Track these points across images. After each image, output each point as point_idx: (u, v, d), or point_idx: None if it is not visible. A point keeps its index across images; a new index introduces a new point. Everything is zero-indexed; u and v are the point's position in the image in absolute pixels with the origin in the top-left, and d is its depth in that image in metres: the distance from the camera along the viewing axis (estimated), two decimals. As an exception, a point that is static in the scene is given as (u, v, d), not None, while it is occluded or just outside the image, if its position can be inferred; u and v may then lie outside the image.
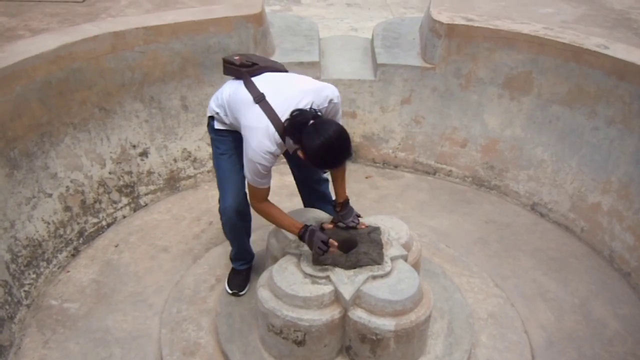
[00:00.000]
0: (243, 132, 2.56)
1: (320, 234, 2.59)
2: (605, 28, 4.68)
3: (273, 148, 2.49)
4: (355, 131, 4.59)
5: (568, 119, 3.98)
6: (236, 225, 2.97)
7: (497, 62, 4.18)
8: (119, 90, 3.88)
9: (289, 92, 2.56)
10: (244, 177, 2.73)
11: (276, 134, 2.49)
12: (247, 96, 2.58)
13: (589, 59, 3.82)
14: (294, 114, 2.44)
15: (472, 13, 4.46)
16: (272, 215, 2.71)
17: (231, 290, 3.10)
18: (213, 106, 2.82)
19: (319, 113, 2.47)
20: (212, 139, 2.92)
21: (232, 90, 2.70)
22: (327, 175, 3.10)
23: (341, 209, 2.82)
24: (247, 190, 2.76)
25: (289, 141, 2.49)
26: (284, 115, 2.48)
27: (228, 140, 2.83)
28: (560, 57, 3.94)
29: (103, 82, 3.78)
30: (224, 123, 2.80)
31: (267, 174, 2.57)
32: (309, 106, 2.49)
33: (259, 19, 4.31)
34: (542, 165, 4.09)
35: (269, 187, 2.66)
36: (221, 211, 2.92)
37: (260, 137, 2.48)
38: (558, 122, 4.03)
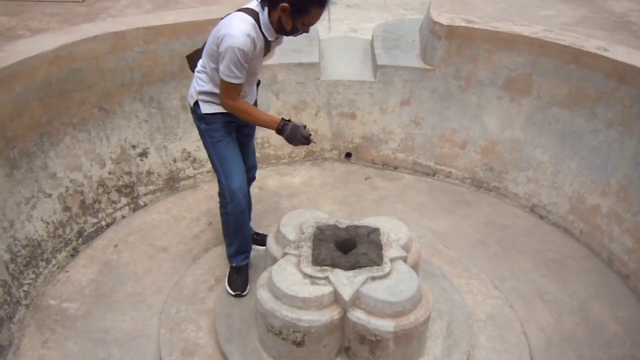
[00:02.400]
0: (220, 34, 2.56)
1: (302, 127, 2.70)
2: (605, 30, 4.69)
3: (249, 29, 2.52)
4: (355, 132, 4.59)
5: (568, 121, 3.99)
6: (243, 210, 2.99)
7: (497, 63, 4.18)
8: (118, 91, 3.88)
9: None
10: (242, 161, 2.82)
11: (250, 18, 2.55)
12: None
13: (588, 62, 3.82)
14: None
15: (472, 15, 4.47)
16: (247, 112, 2.75)
17: (234, 291, 3.09)
18: (193, 87, 2.86)
19: None
20: (202, 130, 2.91)
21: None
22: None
23: None
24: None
25: (265, 22, 2.57)
26: (251, 5, 2.59)
27: (220, 127, 2.86)
28: (560, 59, 3.94)
29: (103, 82, 3.78)
30: (210, 102, 2.81)
31: (244, 65, 2.57)
32: None
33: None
34: (541, 167, 4.10)
35: (242, 84, 2.67)
36: (229, 196, 2.92)
37: (235, 23, 2.53)
38: (558, 124, 4.04)
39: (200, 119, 2.87)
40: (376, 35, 4.98)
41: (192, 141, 4.23)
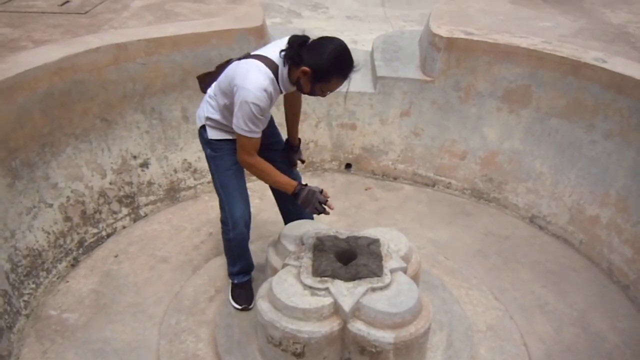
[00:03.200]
0: (233, 84, 2.49)
1: (318, 193, 2.62)
2: (604, 42, 4.71)
3: (266, 83, 2.45)
4: (355, 143, 4.61)
5: (566, 132, 4.01)
6: (244, 238, 2.97)
7: (496, 75, 4.21)
8: (120, 102, 3.91)
9: (269, 46, 2.63)
10: (246, 190, 2.78)
11: (268, 70, 2.47)
12: (234, 62, 2.62)
13: (587, 73, 3.85)
14: (290, 39, 2.48)
15: (471, 27, 4.50)
16: (265, 171, 2.65)
17: (240, 305, 3.09)
18: (202, 111, 2.80)
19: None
20: (208, 156, 2.88)
21: (219, 77, 2.72)
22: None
23: (294, 152, 2.94)
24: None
25: (283, 76, 2.51)
26: (270, 55, 2.51)
27: (228, 155, 2.80)
28: (559, 71, 3.97)
29: (105, 93, 3.80)
30: (218, 129, 2.77)
31: (260, 119, 2.50)
32: None
33: (260, 32, 4.35)
34: (540, 177, 4.11)
35: (259, 139, 2.59)
36: (232, 224, 2.89)
37: (253, 76, 2.44)
38: (557, 135, 4.06)
39: (207, 143, 2.83)
40: (376, 46, 5.01)
41: (192, 152, 4.25)
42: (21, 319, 3.04)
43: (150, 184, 4.05)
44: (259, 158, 2.64)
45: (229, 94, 2.58)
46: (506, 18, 5.12)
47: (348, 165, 4.69)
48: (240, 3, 5.04)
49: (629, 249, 3.54)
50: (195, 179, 4.26)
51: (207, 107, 2.77)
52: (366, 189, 4.47)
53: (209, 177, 4.22)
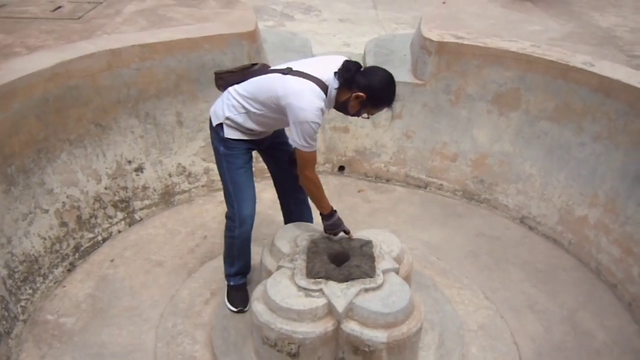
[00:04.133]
0: (286, 101, 2.59)
1: (343, 224, 2.86)
2: (592, 45, 4.79)
3: (322, 104, 2.60)
4: (348, 146, 4.66)
5: (555, 134, 4.07)
6: (248, 237, 3.06)
7: (486, 78, 4.27)
8: (114, 107, 3.94)
9: (311, 62, 2.75)
10: (254, 189, 2.93)
11: (321, 92, 2.61)
12: (274, 74, 2.70)
13: (575, 77, 3.92)
14: (346, 64, 2.63)
15: (462, 31, 4.56)
16: (317, 186, 2.80)
17: (236, 308, 3.13)
18: (222, 109, 2.82)
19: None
20: (221, 153, 2.90)
21: (248, 82, 2.79)
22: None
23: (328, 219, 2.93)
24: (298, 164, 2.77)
25: (331, 96, 2.64)
26: (319, 76, 2.62)
27: (241, 154, 2.89)
28: (548, 75, 4.04)
29: (99, 98, 3.83)
30: (236, 129, 2.81)
31: (317, 134, 2.65)
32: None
33: (252, 36, 4.38)
34: (530, 179, 4.17)
35: (316, 152, 2.75)
36: (239, 221, 2.97)
37: (308, 96, 2.57)
38: (546, 138, 4.12)
39: (221, 141, 2.87)
40: (368, 50, 5.06)
41: (187, 156, 4.28)
42: (19, 324, 3.07)
43: (145, 188, 4.08)
44: (318, 176, 2.80)
45: (272, 106, 2.68)
46: (496, 22, 5.19)
47: (341, 168, 4.73)
48: (233, 7, 5.09)
49: (616, 249, 3.60)
50: (189, 183, 4.29)
51: (229, 107, 2.80)
52: (359, 191, 4.51)
53: (203, 180, 4.30)
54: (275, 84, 2.65)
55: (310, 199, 2.93)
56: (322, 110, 2.60)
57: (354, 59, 4.96)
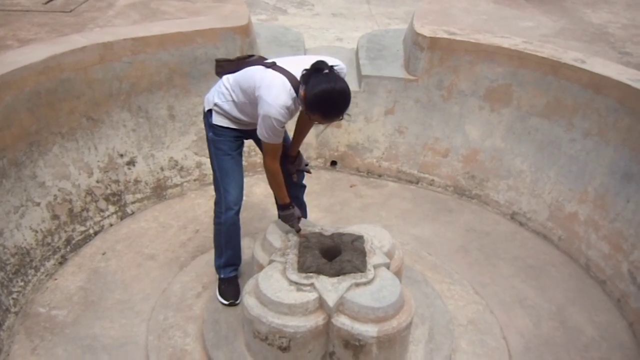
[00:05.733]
0: (257, 93, 2.64)
1: (296, 220, 2.91)
2: (584, 42, 4.82)
3: (289, 102, 2.61)
4: (340, 141, 4.67)
5: (546, 130, 4.10)
6: (235, 224, 3.07)
7: (478, 74, 4.29)
8: (106, 100, 3.93)
9: (298, 59, 2.75)
10: (243, 177, 2.94)
11: (292, 89, 2.62)
12: (259, 66, 2.75)
13: (566, 73, 3.94)
14: (316, 62, 2.58)
15: (454, 27, 4.58)
16: (278, 179, 2.86)
17: (227, 301, 3.14)
18: (213, 96, 2.90)
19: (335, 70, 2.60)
20: (210, 140, 2.97)
21: (239, 72, 2.83)
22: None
23: (289, 162, 3.05)
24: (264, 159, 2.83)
25: (300, 94, 2.61)
26: (297, 74, 2.62)
27: (228, 140, 2.93)
28: (539, 71, 4.06)
29: (91, 92, 3.83)
30: (224, 116, 2.88)
31: (281, 130, 2.68)
32: None
33: (245, 31, 4.38)
34: (521, 175, 4.20)
35: (281, 144, 2.78)
36: (224, 208, 3.01)
37: (276, 92, 2.60)
38: (537, 134, 4.15)
39: (210, 126, 2.94)
40: (361, 45, 5.07)
41: (179, 150, 4.28)
42: (10, 316, 3.07)
43: (136, 181, 4.08)
44: (279, 167, 2.85)
45: (250, 96, 2.72)
46: (489, 18, 5.20)
47: (333, 163, 4.75)
48: (225, 1, 5.08)
49: (605, 245, 3.64)
50: (181, 177, 4.29)
51: (219, 94, 2.88)
52: (351, 186, 4.53)
53: (195, 174, 4.30)
54: (255, 75, 2.71)
55: (269, 186, 2.99)
56: (287, 107, 2.61)
57: (346, 55, 5.01)
